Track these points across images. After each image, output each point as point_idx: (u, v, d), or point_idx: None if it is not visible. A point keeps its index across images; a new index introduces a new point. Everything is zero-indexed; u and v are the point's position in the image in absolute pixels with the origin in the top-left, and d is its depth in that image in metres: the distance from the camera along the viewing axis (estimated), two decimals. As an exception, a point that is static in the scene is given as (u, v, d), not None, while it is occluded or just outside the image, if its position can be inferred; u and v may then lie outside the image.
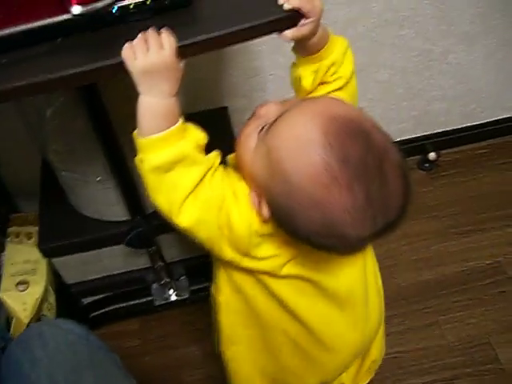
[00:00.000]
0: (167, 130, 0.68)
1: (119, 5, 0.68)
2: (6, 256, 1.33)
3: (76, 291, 1.29)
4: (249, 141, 0.73)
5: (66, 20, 0.68)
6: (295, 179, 0.66)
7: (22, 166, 1.39)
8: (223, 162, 0.76)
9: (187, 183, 0.70)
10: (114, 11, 0.68)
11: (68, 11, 0.67)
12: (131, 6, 0.68)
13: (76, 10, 0.67)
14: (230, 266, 0.78)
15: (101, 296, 1.32)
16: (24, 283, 1.27)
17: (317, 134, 0.65)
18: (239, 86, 1.41)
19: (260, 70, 1.39)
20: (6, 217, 1.41)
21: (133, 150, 1.02)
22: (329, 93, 0.80)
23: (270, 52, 1.34)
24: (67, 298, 1.32)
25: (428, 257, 1.51)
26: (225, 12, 0.71)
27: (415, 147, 1.69)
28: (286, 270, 0.78)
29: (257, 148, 0.72)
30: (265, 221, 0.72)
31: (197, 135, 0.72)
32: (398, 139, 1.67)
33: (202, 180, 0.70)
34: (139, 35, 0.66)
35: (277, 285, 0.80)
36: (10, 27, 0.68)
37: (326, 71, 0.79)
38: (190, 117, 1.25)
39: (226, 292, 0.84)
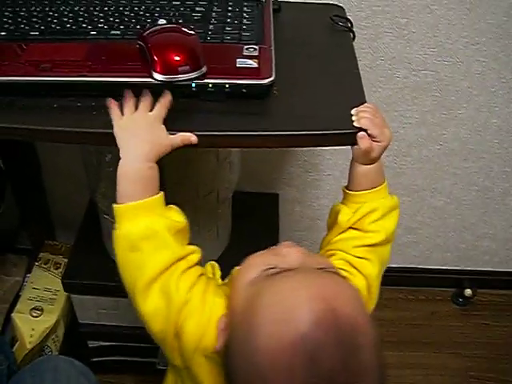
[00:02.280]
0: (141, 200, 0.66)
1: (199, 82, 0.71)
2: (30, 278, 1.36)
3: (85, 332, 1.29)
4: (251, 271, 0.66)
5: (146, 82, 0.72)
6: (255, 341, 0.58)
7: (70, 197, 1.44)
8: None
9: (153, 267, 0.66)
10: (192, 86, 0.71)
11: (150, 76, 0.71)
12: (210, 86, 0.71)
13: (158, 76, 0.71)
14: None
15: (107, 344, 1.32)
16: (39, 310, 1.28)
17: (305, 317, 0.56)
18: (294, 178, 1.43)
19: (318, 167, 1.41)
20: (41, 241, 1.45)
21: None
22: (360, 246, 0.75)
23: (332, 151, 1.36)
24: (75, 336, 1.32)
25: (440, 394, 1.46)
26: (295, 113, 0.73)
27: (453, 279, 1.67)
28: None
29: (251, 284, 0.64)
30: (215, 350, 0.66)
31: (175, 217, 0.69)
32: (439, 267, 1.67)
33: (169, 268, 0.67)
34: (127, 93, 0.69)
35: None
36: (96, 76, 0.73)
37: (366, 214, 0.75)
38: (242, 195, 1.29)
39: None
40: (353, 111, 0.72)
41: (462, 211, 1.54)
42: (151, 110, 0.69)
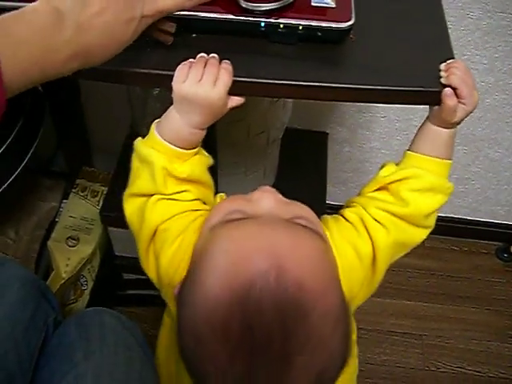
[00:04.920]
0: (171, 146, 0.65)
1: (268, 21, 0.63)
2: (67, 206, 1.31)
3: (120, 264, 1.27)
4: (216, 215, 0.61)
5: (215, 18, 0.64)
6: (197, 293, 0.54)
7: (109, 124, 1.38)
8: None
9: (138, 185, 0.67)
10: (261, 26, 0.63)
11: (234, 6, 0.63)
12: (281, 26, 0.63)
13: (245, 4, 0.63)
14: None
15: (143, 277, 1.29)
16: (75, 239, 1.25)
17: (247, 273, 0.51)
18: (346, 117, 1.35)
19: (373, 108, 1.32)
20: (77, 166, 1.40)
21: (223, 149, 0.97)
22: (383, 210, 0.67)
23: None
24: (110, 267, 1.30)
25: (476, 350, 1.42)
26: (373, 64, 0.65)
27: (500, 233, 1.61)
28: None
29: (211, 229, 0.60)
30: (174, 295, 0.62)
31: (180, 168, 0.65)
32: (487, 220, 1.60)
33: (150, 195, 0.66)
34: (200, 57, 0.62)
35: None
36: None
37: (407, 178, 0.67)
38: (291, 132, 1.22)
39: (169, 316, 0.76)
40: (442, 66, 0.63)
41: (520, 165, 1.45)
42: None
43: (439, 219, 1.68)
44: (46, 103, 1.24)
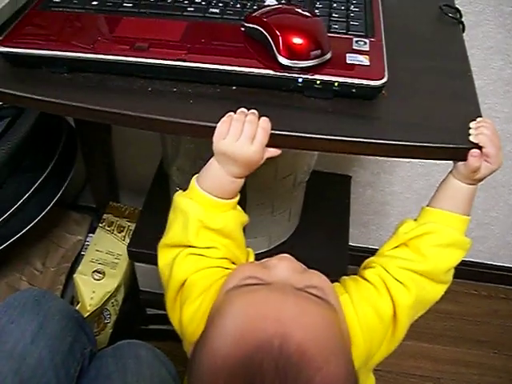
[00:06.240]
0: (210, 196, 0.67)
1: (306, 77, 0.66)
2: (93, 240, 1.34)
3: (144, 299, 1.29)
4: (233, 279, 0.63)
5: (250, 73, 0.67)
6: (204, 354, 0.56)
7: (138, 163, 1.41)
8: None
9: (170, 236, 0.69)
10: (299, 81, 0.67)
11: (267, 63, 0.67)
12: (317, 82, 0.66)
13: (284, 61, 0.66)
14: None
15: (165, 312, 1.31)
16: (100, 273, 1.28)
17: (251, 338, 0.53)
18: (370, 161, 1.38)
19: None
20: (104, 201, 1.43)
21: (251, 191, 1.01)
22: (404, 269, 0.67)
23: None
24: (135, 302, 1.32)
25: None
26: (405, 120, 0.67)
27: (519, 278, 1.61)
28: None
29: (226, 293, 0.62)
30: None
31: (217, 220, 0.67)
32: (506, 265, 1.61)
33: (181, 247, 0.68)
34: (240, 112, 0.65)
35: None
36: (195, 61, 0.68)
37: (426, 233, 0.68)
38: (315, 175, 1.25)
39: None
40: (472, 124, 0.66)
41: (540, 211, 1.47)
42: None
43: (459, 263, 1.68)
44: (77, 139, 1.28)
